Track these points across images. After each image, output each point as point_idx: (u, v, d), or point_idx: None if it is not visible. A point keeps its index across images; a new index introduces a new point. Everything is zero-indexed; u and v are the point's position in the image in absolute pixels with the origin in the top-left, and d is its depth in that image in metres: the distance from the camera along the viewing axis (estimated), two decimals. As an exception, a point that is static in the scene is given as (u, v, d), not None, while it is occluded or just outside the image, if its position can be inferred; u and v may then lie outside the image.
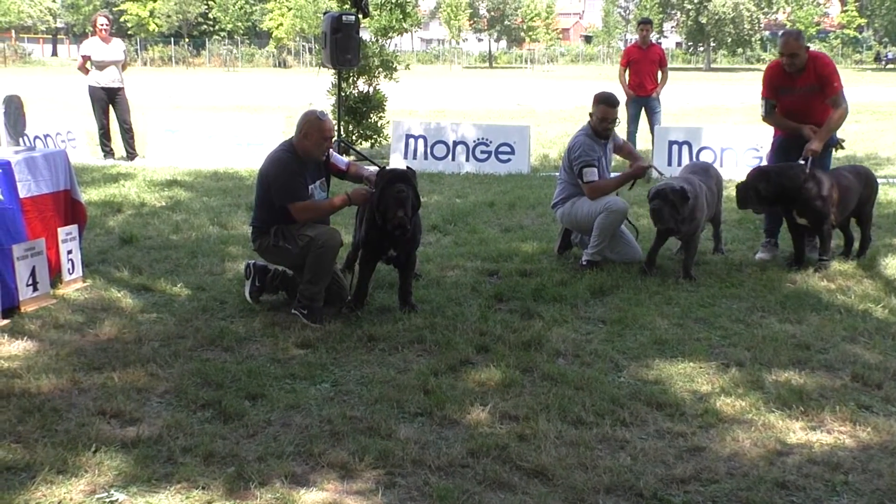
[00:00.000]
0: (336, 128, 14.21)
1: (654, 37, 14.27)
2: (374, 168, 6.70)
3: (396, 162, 13.68)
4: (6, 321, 5.93)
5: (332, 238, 6.18)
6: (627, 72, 14.00)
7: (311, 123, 6.29)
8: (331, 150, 6.51)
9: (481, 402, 4.75)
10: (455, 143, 13.86)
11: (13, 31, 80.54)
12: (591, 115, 7.74)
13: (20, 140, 7.12)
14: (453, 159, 13.82)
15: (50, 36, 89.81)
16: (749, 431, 4.49)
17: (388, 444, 4.25)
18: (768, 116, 8.11)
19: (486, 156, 13.75)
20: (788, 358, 5.47)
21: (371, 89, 15.62)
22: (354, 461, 4.08)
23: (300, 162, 6.28)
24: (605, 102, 7.68)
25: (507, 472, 4.00)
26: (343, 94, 14.75)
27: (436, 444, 4.28)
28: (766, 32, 78.60)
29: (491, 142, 13.78)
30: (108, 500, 3.72)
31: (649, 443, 4.35)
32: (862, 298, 6.76)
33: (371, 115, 15.55)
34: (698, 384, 5.09)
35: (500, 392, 4.91)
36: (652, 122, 13.92)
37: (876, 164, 14.91)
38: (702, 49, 75.99)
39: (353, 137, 15.24)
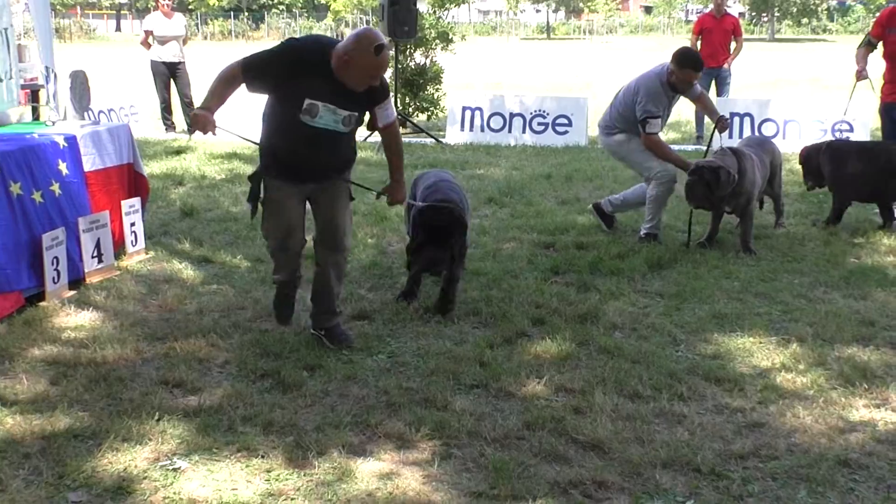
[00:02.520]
0: (393, 100, 14.29)
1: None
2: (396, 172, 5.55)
3: (453, 136, 13.65)
4: (72, 292, 6.06)
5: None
6: (700, 41, 13.64)
7: (362, 51, 4.67)
8: (387, 101, 5.09)
9: (537, 374, 4.75)
10: (512, 115, 13.79)
11: (78, 8, 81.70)
12: (671, 71, 7.35)
13: (85, 114, 7.24)
14: (510, 131, 13.75)
15: (114, 11, 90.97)
16: (810, 408, 4.43)
17: (443, 415, 4.27)
18: (859, 49, 8.46)
19: (543, 128, 13.66)
20: (852, 334, 5.37)
21: (428, 61, 15.57)
22: (411, 432, 4.10)
23: (316, 63, 4.78)
24: (692, 67, 7.33)
25: (562, 445, 4.00)
26: (400, 66, 14.74)
27: (491, 416, 4.29)
28: (834, 2, 76.72)
29: (548, 114, 13.68)
30: (170, 467, 3.79)
31: (707, 418, 4.31)
32: (928, 273, 6.61)
33: (428, 87, 15.51)
34: (758, 359, 5.03)
35: (555, 365, 4.90)
36: (720, 93, 13.62)
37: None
38: (766, 19, 74.37)
39: (410, 109, 15.24)
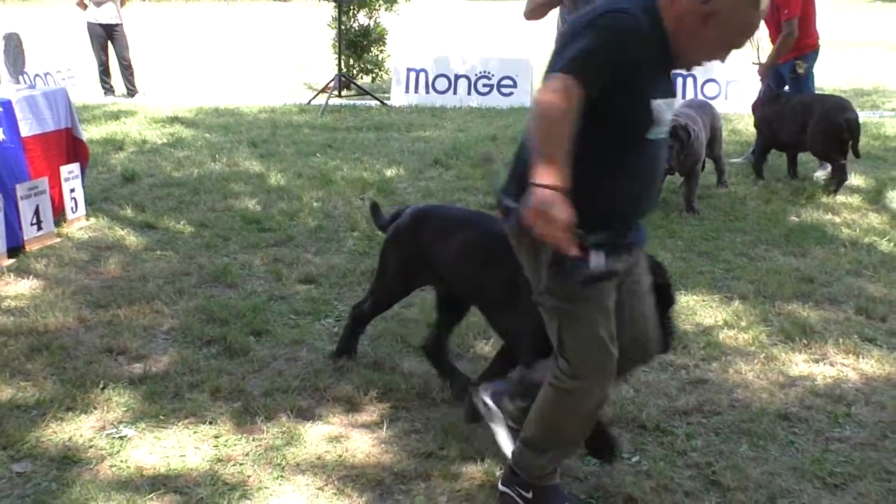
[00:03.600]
0: (336, 62, 14.16)
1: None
2: None
3: (398, 98, 13.58)
4: (11, 260, 5.95)
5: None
6: None
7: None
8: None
9: (484, 335, 4.78)
10: (457, 77, 13.74)
11: (9, -34, 79.47)
12: None
13: (20, 78, 7.06)
14: (455, 93, 13.71)
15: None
16: (752, 364, 4.52)
17: (392, 377, 4.28)
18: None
19: (488, 89, 13.64)
20: (792, 291, 5.48)
21: (372, 22, 15.43)
22: (359, 395, 4.11)
23: (650, 35, 2.79)
24: None
25: (510, 405, 4.03)
26: (343, 27, 14.58)
27: (440, 378, 4.31)
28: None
29: (493, 75, 13.65)
30: (116, 435, 3.76)
31: (652, 376, 4.38)
32: (867, 232, 6.75)
33: (372, 49, 15.39)
34: (701, 317, 5.11)
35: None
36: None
37: (882, 95, 14.79)
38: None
39: (354, 72, 15.11)
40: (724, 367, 4.48)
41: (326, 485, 3.44)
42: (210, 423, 3.87)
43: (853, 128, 7.85)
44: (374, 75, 15.46)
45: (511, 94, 13.53)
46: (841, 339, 4.76)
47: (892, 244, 6.46)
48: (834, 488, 3.45)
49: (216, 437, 3.77)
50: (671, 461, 3.60)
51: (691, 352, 4.65)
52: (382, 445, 3.72)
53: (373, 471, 3.52)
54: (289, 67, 17.37)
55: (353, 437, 3.78)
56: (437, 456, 3.62)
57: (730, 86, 13.18)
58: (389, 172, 8.65)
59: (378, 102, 13.35)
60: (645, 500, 3.33)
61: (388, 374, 4.32)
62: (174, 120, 11.59)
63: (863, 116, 12.32)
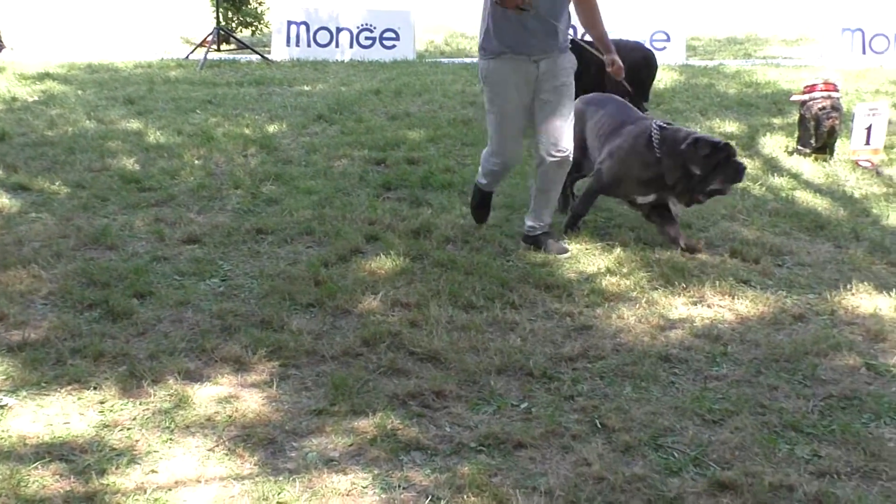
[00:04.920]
0: (214, 15, 13.80)
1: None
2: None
3: (279, 52, 13.33)
4: None
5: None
6: None
7: None
8: None
9: (372, 290, 4.79)
10: (338, 30, 13.56)
11: None
12: None
13: None
14: (337, 46, 13.54)
15: None
16: (634, 309, 4.65)
17: (281, 336, 4.25)
18: None
19: (370, 42, 13.51)
20: (670, 236, 5.63)
21: (250, -26, 15.08)
22: (248, 355, 4.08)
23: None
24: None
25: (400, 359, 4.06)
26: (220, -21, 14.21)
27: (329, 335, 4.31)
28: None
29: (375, 27, 13.52)
30: (-5, 405, 3.65)
31: (538, 324, 4.47)
32: (740, 176, 6.97)
33: (251, 1, 15.04)
34: (584, 265, 5.22)
35: (391, 280, 4.95)
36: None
37: (755, 44, 15.23)
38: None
39: (233, 25, 14.76)
40: (607, 313, 4.59)
41: (217, 446, 3.41)
42: (94, 388, 3.79)
43: (651, 65, 8.51)
44: (253, 28, 15.14)
45: (394, 46, 13.43)
46: (717, 282, 4.94)
47: (764, 189, 6.70)
48: (713, 424, 3.59)
49: (101, 402, 3.70)
50: (558, 406, 3.70)
51: (576, 299, 4.76)
52: (273, 404, 3.71)
53: (264, 430, 3.51)
54: (165, 21, 16.84)
55: (242, 397, 3.75)
56: (328, 412, 3.63)
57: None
58: (272, 128, 8.52)
59: (258, 56, 13.08)
60: (534, 444, 3.41)
61: (276, 333, 4.30)
62: (45, 76, 11.13)
63: (736, 65, 12.73)
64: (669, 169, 5.27)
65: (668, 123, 5.49)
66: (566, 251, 5.35)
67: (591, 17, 5.38)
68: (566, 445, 3.42)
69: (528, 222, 5.49)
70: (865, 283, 4.93)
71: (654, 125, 5.36)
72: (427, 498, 3.11)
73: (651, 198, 5.48)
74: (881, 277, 5.06)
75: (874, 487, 3.20)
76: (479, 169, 5.63)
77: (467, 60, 8.82)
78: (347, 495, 3.13)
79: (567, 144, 5.25)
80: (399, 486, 3.17)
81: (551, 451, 3.39)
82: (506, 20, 5.08)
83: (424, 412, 3.66)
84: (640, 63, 8.21)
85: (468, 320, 4.45)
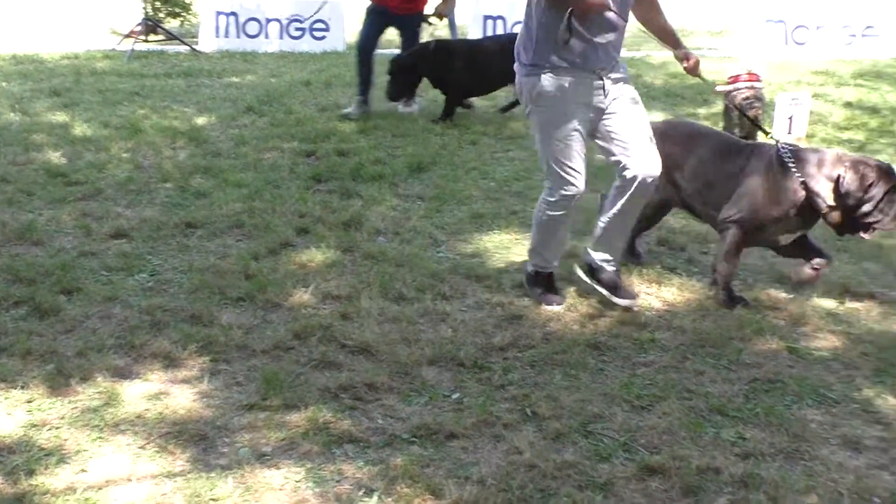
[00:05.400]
0: (142, 5, 13.57)
1: None
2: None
3: (207, 43, 13.16)
4: None
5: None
6: None
7: None
8: None
9: (303, 283, 4.77)
10: (268, 21, 13.42)
11: None
12: None
13: None
14: (267, 37, 13.40)
15: None
16: (564, 297, 4.70)
17: (211, 331, 4.22)
18: None
19: (300, 33, 13.40)
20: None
21: (176, -37, 14.85)
22: (178, 350, 4.04)
23: None
24: None
25: (332, 352, 4.06)
26: (146, -31, 13.98)
27: (259, 328, 4.29)
28: None
29: (305, 18, 13.42)
30: (-84, 407, 3.56)
31: (469, 314, 4.50)
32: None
33: (178, -9, 14.83)
34: (515, 255, 5.26)
35: (321, 273, 4.94)
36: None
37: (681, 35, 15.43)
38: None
39: (161, 15, 14.53)
40: (537, 303, 4.64)
41: (148, 443, 3.38)
42: (22, 387, 3.72)
43: None
44: (182, 19, 14.93)
45: (324, 37, 13.35)
46: (645, 270, 5.02)
47: (690, 178, 6.81)
48: (641, 409, 3.66)
49: (29, 401, 3.63)
50: (490, 396, 3.73)
51: (506, 289, 4.80)
52: (204, 400, 3.68)
53: (195, 426, 3.48)
54: (92, 11, 16.51)
55: (173, 394, 3.72)
56: (260, 407, 3.62)
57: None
58: (201, 120, 8.42)
59: (187, 48, 12.90)
60: (466, 434, 3.44)
61: (206, 328, 4.26)
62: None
63: (662, 56, 12.87)
64: (819, 196, 4.51)
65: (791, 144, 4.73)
66: (635, 298, 4.64)
67: (653, 6, 4.68)
68: (498, 434, 3.45)
69: (597, 255, 4.65)
70: (787, 269, 5.05)
71: (782, 147, 4.59)
72: (360, 490, 3.12)
73: (797, 234, 4.76)
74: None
75: (797, 467, 3.29)
76: (533, 246, 4.65)
77: (397, 52, 8.78)
78: (280, 490, 3.12)
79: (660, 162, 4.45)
80: (332, 480, 3.18)
81: (483, 441, 3.42)
82: (572, 33, 4.20)
83: (356, 405, 3.66)
84: None
85: (399, 312, 4.46)
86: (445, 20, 9.34)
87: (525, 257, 5.16)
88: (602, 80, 4.32)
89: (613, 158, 4.46)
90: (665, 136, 4.87)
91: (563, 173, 4.41)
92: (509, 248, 5.37)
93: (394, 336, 4.20)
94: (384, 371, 3.90)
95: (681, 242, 5.44)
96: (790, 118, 7.52)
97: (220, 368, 3.93)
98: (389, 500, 3.06)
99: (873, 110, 9.18)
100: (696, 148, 4.90)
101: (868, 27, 13.38)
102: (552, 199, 4.48)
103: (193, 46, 13.00)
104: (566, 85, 4.27)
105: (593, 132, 4.44)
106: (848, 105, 9.46)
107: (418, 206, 6.10)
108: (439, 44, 8.58)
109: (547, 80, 4.28)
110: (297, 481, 3.17)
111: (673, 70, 11.37)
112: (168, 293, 4.67)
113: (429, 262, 5.08)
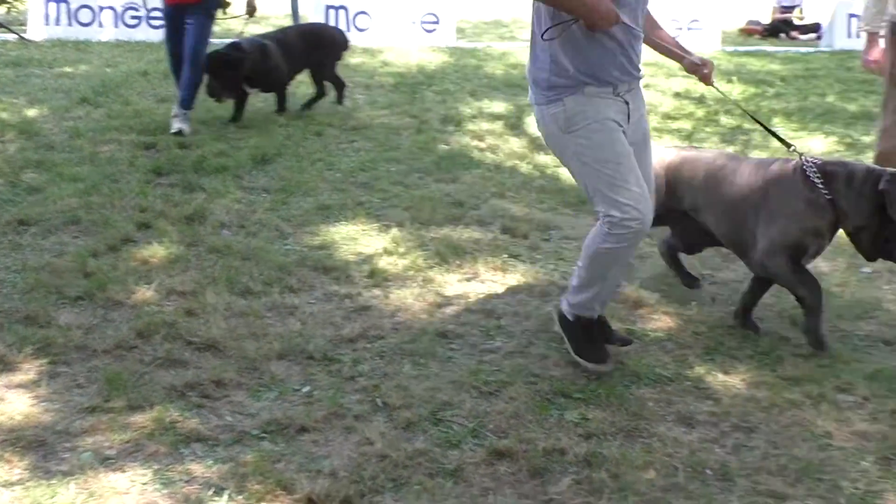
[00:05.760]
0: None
1: None
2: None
3: (37, 31, 12.59)
4: None
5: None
6: None
7: None
8: None
9: (146, 280, 4.65)
10: (101, 8, 12.95)
11: None
12: None
13: None
14: (101, 25, 12.93)
15: None
16: (411, 288, 4.75)
17: (48, 332, 4.06)
18: None
19: (136, 21, 13.00)
20: (444, 216, 5.79)
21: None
22: (13, 353, 3.87)
23: None
24: None
25: (177, 349, 3.97)
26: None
27: (100, 328, 4.16)
28: None
29: (140, 6, 13.01)
30: None
31: (318, 307, 4.49)
32: (509, 156, 7.25)
33: (3, -24, 14.16)
34: (362, 246, 5.28)
35: (164, 268, 4.82)
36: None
37: (519, 26, 15.74)
38: None
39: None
40: (385, 293, 4.67)
41: (-18, 452, 3.23)
42: None
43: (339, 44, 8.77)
44: (8, 6, 14.27)
45: (161, 26, 12.94)
46: (490, 258, 5.12)
47: (531, 167, 6.99)
48: (489, 395, 3.73)
49: None
50: (340, 388, 3.73)
51: (354, 280, 4.81)
52: (42, 404, 3.54)
53: (33, 431, 3.35)
54: None
55: (8, 399, 3.56)
56: (102, 409, 3.51)
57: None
58: (32, 112, 8.07)
59: (15, 36, 12.32)
60: (317, 428, 3.44)
61: (43, 329, 4.10)
62: None
63: (502, 47, 13.13)
64: (853, 213, 4.08)
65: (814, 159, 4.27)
66: (630, 342, 4.17)
67: (652, 21, 4.22)
68: (349, 426, 3.46)
69: (574, 297, 3.98)
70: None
71: (805, 161, 4.15)
72: (210, 490, 3.07)
73: (817, 257, 4.38)
74: (639, 247, 5.39)
75: (636, 444, 3.42)
76: (579, 285, 3.93)
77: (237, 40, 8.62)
78: (126, 493, 3.04)
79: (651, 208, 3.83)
80: (181, 480, 3.12)
81: (334, 433, 3.42)
82: (589, 41, 3.65)
83: (204, 402, 3.60)
84: (336, 41, 8.70)
85: (246, 306, 4.41)
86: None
87: (373, 249, 5.18)
88: (627, 104, 3.75)
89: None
90: (678, 171, 4.53)
91: (621, 200, 3.66)
92: (357, 239, 5.38)
93: (241, 331, 4.15)
94: (232, 367, 3.85)
95: (524, 230, 5.57)
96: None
97: (59, 371, 3.79)
98: (240, 497, 3.03)
99: (700, 100, 9.63)
100: (716, 182, 4.40)
101: (693, 20, 13.98)
102: (611, 232, 3.72)
103: (22, 35, 12.43)
104: (598, 99, 3.68)
105: None
106: (677, 95, 9.89)
107: (263, 199, 6.03)
108: (257, 40, 8.16)
109: (573, 101, 3.68)
110: (143, 484, 3.10)
111: (513, 61, 11.64)
112: (1, 294, 4.47)
113: (275, 255, 5.04)
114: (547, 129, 3.82)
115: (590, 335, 3.98)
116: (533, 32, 3.76)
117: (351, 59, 11.36)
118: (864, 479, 3.25)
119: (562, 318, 4.03)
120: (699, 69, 4.20)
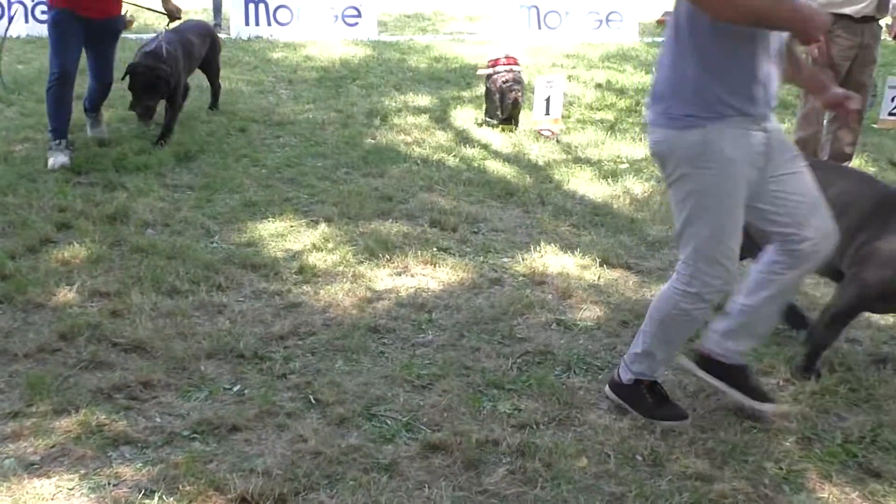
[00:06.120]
0: None
1: None
2: None
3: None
4: None
5: None
6: None
7: None
8: None
9: (67, 281, 4.54)
10: (10, 3, 12.58)
11: None
12: None
13: None
14: (10, 20, 12.54)
15: None
16: (341, 283, 4.72)
17: (-34, 338, 3.95)
18: None
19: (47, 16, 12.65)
20: (373, 210, 5.76)
21: None
22: (-71, 360, 3.75)
23: None
24: None
25: (103, 351, 3.89)
26: None
27: (21, 331, 4.04)
28: None
29: (53, 1, 12.67)
30: None
31: (247, 304, 4.43)
32: (436, 149, 7.24)
33: None
34: (290, 243, 5.23)
35: (87, 269, 4.71)
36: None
37: (441, 19, 15.75)
38: None
39: None
40: (315, 289, 4.63)
41: None
42: None
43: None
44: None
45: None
46: (419, 252, 5.11)
47: (458, 160, 6.99)
48: (422, 389, 3.74)
49: None
50: (272, 386, 3.69)
51: (283, 277, 4.76)
52: (-39, 412, 3.44)
53: (-47, 440, 3.25)
54: None
55: (-75, 407, 3.45)
56: (24, 414, 3.41)
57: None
58: (-60, 111, 7.81)
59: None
60: (249, 427, 3.40)
61: (-40, 334, 3.98)
62: None
63: (425, 40, 13.12)
64: None
65: None
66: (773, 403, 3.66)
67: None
68: (281, 424, 3.43)
69: (730, 343, 3.59)
70: (552, 244, 5.29)
71: None
72: (140, 493, 3.01)
73: None
74: (566, 238, 5.45)
75: (568, 433, 3.46)
76: (645, 349, 3.56)
77: (153, 35, 8.42)
78: (52, 499, 2.97)
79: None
80: (109, 484, 3.05)
81: (267, 432, 3.39)
82: (736, 61, 3.16)
83: (132, 404, 3.53)
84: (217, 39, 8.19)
85: (173, 306, 4.33)
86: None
87: (303, 245, 5.13)
88: (766, 132, 3.30)
89: (779, 229, 3.39)
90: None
91: (718, 256, 3.30)
92: (285, 235, 5.32)
93: (169, 331, 4.08)
94: (160, 367, 3.78)
95: (452, 223, 5.58)
96: (547, 100, 7.84)
97: (-23, 378, 3.68)
98: (171, 499, 2.98)
99: (621, 91, 9.74)
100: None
101: (612, 12, 14.14)
102: (692, 291, 3.36)
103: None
104: (739, 138, 3.21)
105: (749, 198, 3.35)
106: (598, 87, 9.99)
107: (188, 196, 5.93)
108: (169, 48, 7.18)
109: (716, 133, 3.19)
110: (70, 489, 3.02)
111: (436, 54, 11.63)
112: (-87, 300, 4.33)
113: (202, 254, 4.96)
114: (670, 158, 3.29)
115: (657, 393, 3.63)
116: (677, 34, 3.21)
117: (273, 53, 11.27)
118: (786, 459, 3.34)
119: (617, 386, 3.66)
120: (843, 104, 3.58)
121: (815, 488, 3.20)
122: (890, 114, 8.33)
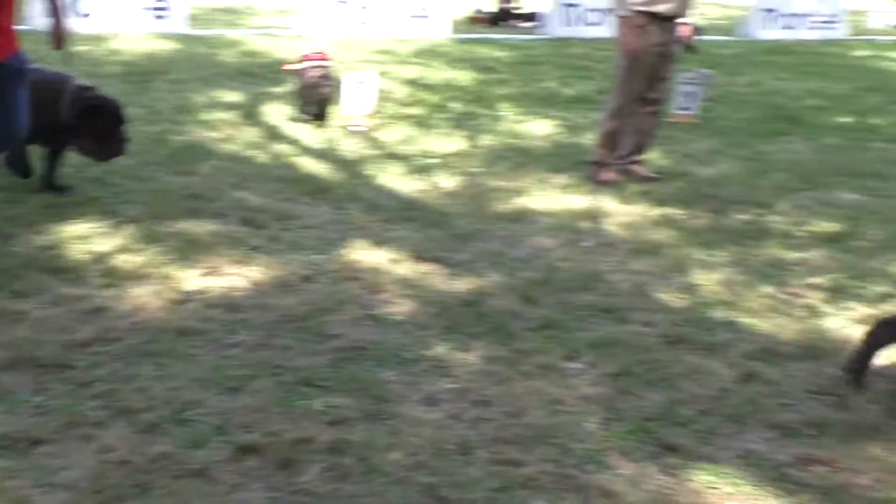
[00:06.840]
0: None
1: None
2: None
3: None
4: None
5: None
6: None
7: None
8: None
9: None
10: None
11: None
12: None
13: None
14: None
15: None
16: (149, 286, 4.61)
17: None
18: None
19: None
20: (181, 209, 5.66)
21: None
22: None
23: None
24: None
25: None
26: None
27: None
28: None
29: None
30: None
31: (48, 311, 4.27)
32: (246, 146, 7.18)
33: None
34: (96, 245, 5.07)
35: None
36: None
37: (251, 13, 15.53)
38: None
39: None
40: (122, 293, 4.52)
41: None
42: None
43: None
44: None
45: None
46: (230, 251, 5.07)
47: (268, 156, 6.96)
48: (234, 391, 3.71)
49: None
50: (75, 395, 3.59)
51: (88, 281, 4.62)
52: None
53: None
54: None
55: None
56: None
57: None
58: None
59: None
60: (52, 439, 3.29)
61: None
62: None
63: (235, 34, 12.95)
64: None
65: None
66: None
67: None
68: (87, 434, 3.34)
69: None
70: (364, 240, 5.35)
71: None
72: (-66, 514, 2.89)
73: None
74: (377, 234, 5.52)
75: (382, 427, 3.53)
76: None
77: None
78: None
79: None
80: None
81: (71, 443, 3.29)
82: None
83: (-76, 422, 3.37)
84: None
85: (-37, 316, 4.14)
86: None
87: (109, 247, 4.99)
88: None
89: None
90: None
91: None
92: (89, 237, 5.16)
93: (-40, 343, 3.90)
94: (-47, 383, 3.61)
95: (263, 221, 5.55)
96: (358, 96, 7.90)
97: None
98: (-30, 519, 2.87)
99: (431, 87, 9.92)
100: None
101: (421, 9, 14.33)
102: None
103: None
104: None
105: None
106: (409, 82, 10.13)
107: (-19, 199, 5.65)
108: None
109: None
110: None
111: (246, 49, 11.49)
112: None
113: (0, 258, 4.75)
114: None
115: None
116: None
117: (75, 46, 10.81)
118: (590, 440, 3.53)
119: None
120: None
121: (616, 465, 3.38)
122: (680, 109, 8.82)
